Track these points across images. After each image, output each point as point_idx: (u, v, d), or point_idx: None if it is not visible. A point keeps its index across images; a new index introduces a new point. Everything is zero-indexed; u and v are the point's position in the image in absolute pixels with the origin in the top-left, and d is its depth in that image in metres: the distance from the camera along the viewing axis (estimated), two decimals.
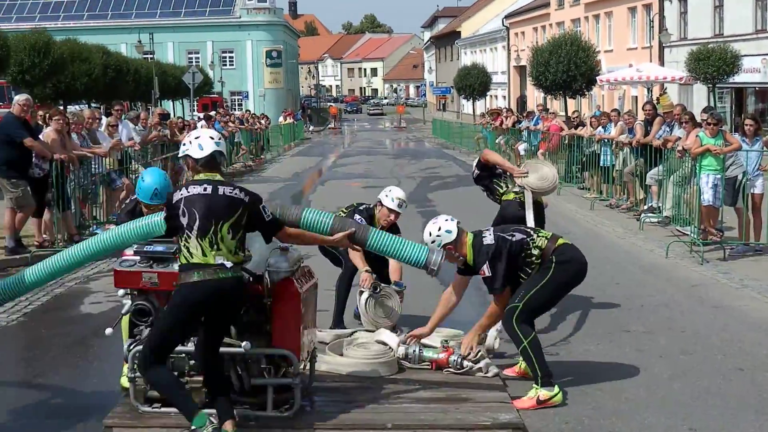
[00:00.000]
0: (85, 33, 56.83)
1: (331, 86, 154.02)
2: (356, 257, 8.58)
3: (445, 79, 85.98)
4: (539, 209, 9.34)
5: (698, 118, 15.54)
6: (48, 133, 13.57)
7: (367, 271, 8.52)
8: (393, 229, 8.66)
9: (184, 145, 6.16)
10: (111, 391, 7.06)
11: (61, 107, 28.34)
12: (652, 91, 32.16)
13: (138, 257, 6.39)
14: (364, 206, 8.92)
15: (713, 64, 30.89)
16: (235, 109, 62.95)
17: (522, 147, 26.67)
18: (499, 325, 7.68)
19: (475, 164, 9.68)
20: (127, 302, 6.47)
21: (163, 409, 6.31)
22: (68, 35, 39.08)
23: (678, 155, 14.56)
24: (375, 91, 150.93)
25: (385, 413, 6.46)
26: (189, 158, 6.09)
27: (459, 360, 7.41)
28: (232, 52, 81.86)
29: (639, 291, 11.27)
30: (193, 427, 5.81)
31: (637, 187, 17.88)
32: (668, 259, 13.24)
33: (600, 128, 20.15)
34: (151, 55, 53.42)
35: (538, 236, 7.27)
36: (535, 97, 54.24)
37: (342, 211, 8.84)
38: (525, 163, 9.69)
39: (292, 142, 51.03)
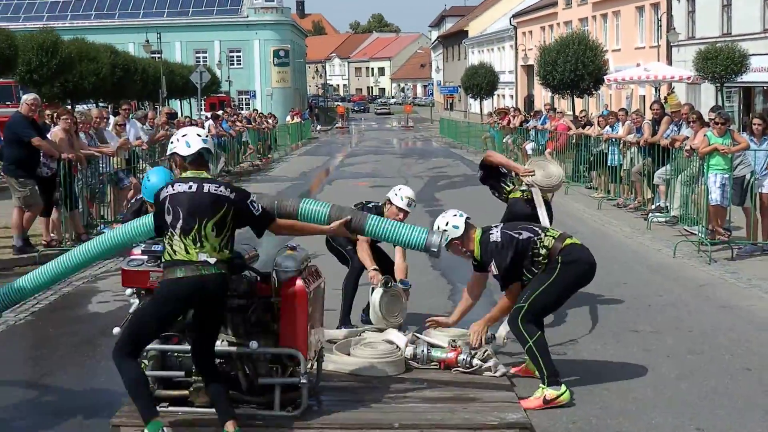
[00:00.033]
0: (93, 32, 56.99)
1: (338, 85, 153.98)
2: (364, 256, 8.59)
3: (453, 79, 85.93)
4: (548, 206, 9.37)
5: (706, 118, 15.51)
6: (56, 133, 13.61)
7: (374, 269, 8.52)
8: None
9: (171, 143, 6.18)
10: (118, 390, 7.04)
11: (69, 106, 28.43)
12: (659, 90, 32.09)
13: (146, 256, 6.42)
14: (372, 204, 8.92)
15: (721, 63, 30.79)
16: (242, 109, 62.88)
17: (529, 146, 26.65)
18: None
19: (479, 166, 9.73)
20: (135, 301, 6.50)
21: (170, 409, 6.32)
22: (76, 35, 39.17)
23: (686, 155, 14.54)
24: (382, 90, 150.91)
25: (392, 413, 6.46)
26: (176, 156, 6.10)
27: (468, 359, 7.41)
28: (239, 51, 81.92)
29: (646, 291, 11.25)
30: (144, 431, 5.83)
31: (645, 187, 17.85)
32: (676, 259, 13.22)
33: (607, 128, 20.13)
34: (159, 55, 53.41)
35: (546, 235, 7.24)
36: (542, 96, 54.17)
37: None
38: (530, 161, 9.72)
39: (300, 141, 51.04)
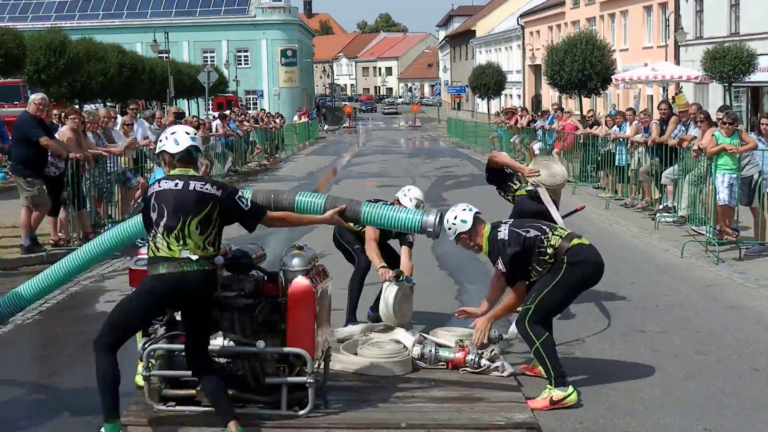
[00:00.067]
0: (101, 32, 57.17)
1: (345, 85, 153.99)
2: (372, 254, 8.61)
3: (460, 78, 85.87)
4: (556, 206, 9.42)
5: (714, 117, 15.50)
6: (63, 132, 13.63)
7: (383, 266, 8.53)
8: None
9: (160, 141, 6.20)
10: (125, 389, 7.07)
11: (77, 106, 28.46)
12: (667, 90, 32.04)
13: None
14: (380, 203, 8.92)
15: (729, 63, 30.71)
16: (250, 108, 62.99)
17: (537, 146, 26.60)
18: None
19: (485, 168, 9.80)
20: None
21: (177, 408, 6.33)
22: (84, 34, 39.31)
23: (693, 154, 14.52)
24: (390, 90, 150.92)
25: (399, 412, 6.46)
26: (165, 154, 6.12)
27: (476, 359, 7.40)
28: (247, 51, 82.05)
29: (654, 291, 11.23)
30: (101, 430, 5.86)
31: (653, 187, 17.82)
32: (683, 259, 13.19)
33: (615, 127, 20.11)
34: (167, 54, 53.50)
35: (554, 234, 7.20)
36: (550, 96, 54.10)
37: None
38: (533, 161, 9.76)
39: (307, 141, 51.08)
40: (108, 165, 15.05)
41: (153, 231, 5.91)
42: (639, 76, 31.47)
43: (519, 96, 70.29)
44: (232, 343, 6.39)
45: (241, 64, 79.75)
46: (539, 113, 33.20)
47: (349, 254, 9.12)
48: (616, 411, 6.88)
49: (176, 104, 46.20)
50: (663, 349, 8.58)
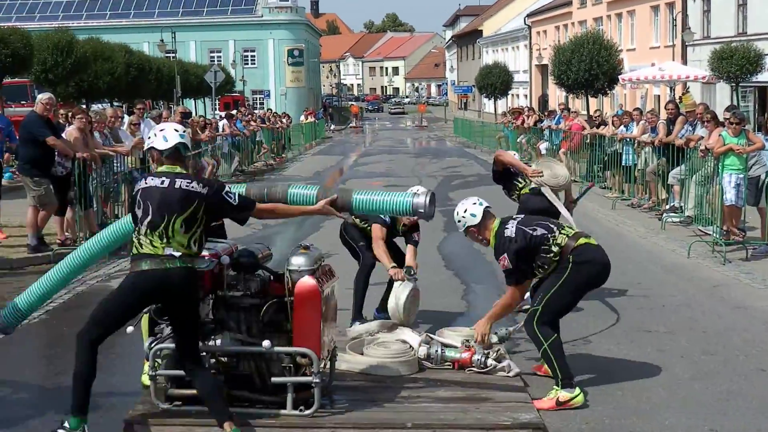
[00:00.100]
0: (108, 32, 57.13)
1: (352, 85, 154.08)
2: (381, 254, 8.63)
3: (467, 78, 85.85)
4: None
5: (721, 117, 15.46)
6: (70, 132, 13.65)
7: (393, 266, 8.54)
8: (414, 228, 8.92)
9: (149, 138, 6.21)
10: (132, 388, 7.09)
11: (84, 106, 28.53)
12: (674, 90, 31.99)
13: None
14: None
15: (736, 62, 30.69)
16: (256, 108, 63.08)
17: (543, 146, 26.57)
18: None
19: (492, 168, 9.89)
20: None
21: (183, 407, 6.33)
22: (91, 34, 39.32)
23: (700, 155, 14.50)
24: (396, 89, 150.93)
25: (405, 412, 6.45)
26: (153, 150, 6.11)
27: (483, 359, 7.39)
28: (254, 50, 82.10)
29: (660, 291, 11.22)
30: (65, 424, 5.92)
31: (659, 187, 17.80)
32: (690, 259, 13.17)
33: (622, 127, 20.09)
34: (174, 54, 53.55)
35: (560, 233, 7.18)
36: (556, 96, 54.11)
37: None
38: (536, 162, 9.83)
39: (314, 140, 51.09)
40: (115, 165, 15.07)
41: (137, 228, 5.92)
42: (646, 76, 31.44)
43: (526, 96, 70.28)
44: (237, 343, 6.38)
45: (247, 63, 79.78)
46: (546, 113, 33.16)
47: (354, 251, 9.14)
48: (622, 411, 6.88)
49: (183, 104, 46.22)
50: (669, 350, 8.57)
